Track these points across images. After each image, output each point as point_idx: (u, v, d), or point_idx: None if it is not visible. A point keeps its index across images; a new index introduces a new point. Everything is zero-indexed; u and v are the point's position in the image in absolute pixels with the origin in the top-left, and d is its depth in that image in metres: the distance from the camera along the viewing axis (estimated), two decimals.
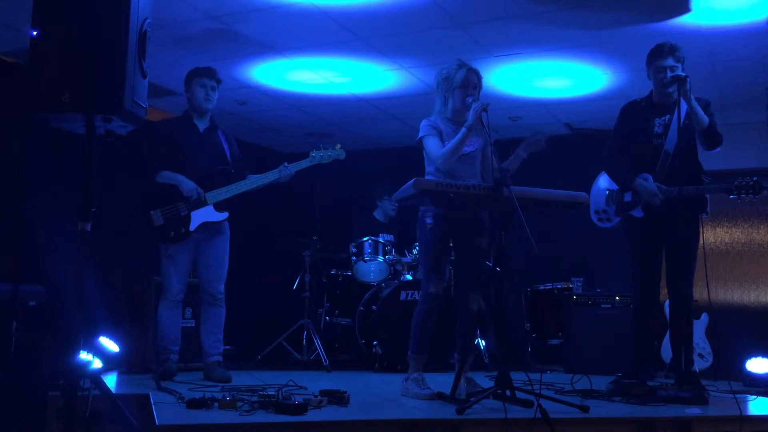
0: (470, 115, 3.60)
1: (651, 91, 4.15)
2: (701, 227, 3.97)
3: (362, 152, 7.70)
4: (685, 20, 4.43)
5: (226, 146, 4.44)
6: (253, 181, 4.34)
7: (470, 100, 3.66)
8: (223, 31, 4.75)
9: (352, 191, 7.11)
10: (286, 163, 4.40)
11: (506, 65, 5.32)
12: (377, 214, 6.55)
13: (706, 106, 3.98)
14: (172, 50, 4.99)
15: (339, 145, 4.62)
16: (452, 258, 4.21)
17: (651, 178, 3.98)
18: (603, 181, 4.34)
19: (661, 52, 3.96)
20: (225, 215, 4.33)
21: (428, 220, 3.74)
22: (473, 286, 3.79)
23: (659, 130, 4.03)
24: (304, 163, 4.48)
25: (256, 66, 5.43)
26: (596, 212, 4.32)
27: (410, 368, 3.83)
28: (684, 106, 3.92)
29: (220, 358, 4.32)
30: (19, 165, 4.68)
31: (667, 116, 3.99)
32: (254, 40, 4.92)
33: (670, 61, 3.93)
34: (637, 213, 4.08)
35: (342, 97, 6.12)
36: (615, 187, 4.23)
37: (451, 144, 3.64)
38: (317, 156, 4.52)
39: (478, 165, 3.86)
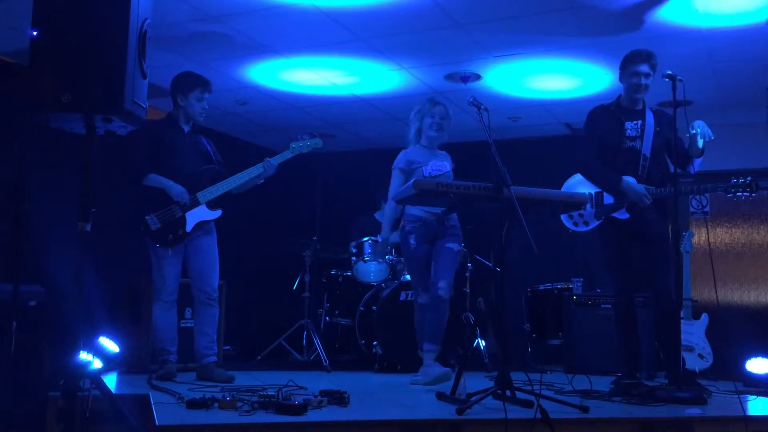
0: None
1: (619, 96, 4.21)
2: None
3: (362, 152, 7.71)
4: (685, 21, 4.43)
5: (209, 147, 4.45)
6: (240, 176, 4.32)
7: (471, 100, 3.71)
8: (223, 31, 4.75)
9: (353, 191, 7.11)
10: (268, 158, 4.40)
11: (506, 65, 5.32)
12: (379, 216, 6.54)
13: (672, 118, 3.93)
14: (173, 50, 4.99)
15: (317, 134, 4.70)
16: None
17: (634, 180, 4.02)
18: (573, 185, 4.31)
19: (638, 57, 4.02)
20: (218, 213, 4.33)
21: (411, 241, 4.34)
22: (444, 276, 4.24)
23: (632, 133, 4.09)
24: (286, 155, 4.49)
25: (256, 66, 5.43)
26: (570, 216, 4.29)
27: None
28: (649, 114, 4.10)
29: (215, 358, 4.32)
30: (19, 165, 4.67)
31: (639, 121, 4.10)
32: (254, 41, 4.92)
33: (644, 68, 4.01)
34: (622, 215, 4.09)
35: (342, 97, 6.12)
36: (590, 189, 4.20)
37: (384, 222, 4.56)
38: (297, 147, 4.54)
39: None
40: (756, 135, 5.65)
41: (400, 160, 4.47)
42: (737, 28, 4.50)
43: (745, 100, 5.74)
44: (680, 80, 3.76)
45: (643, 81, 4.01)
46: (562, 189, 4.35)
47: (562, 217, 4.31)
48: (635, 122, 4.10)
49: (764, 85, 5.07)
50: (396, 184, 4.39)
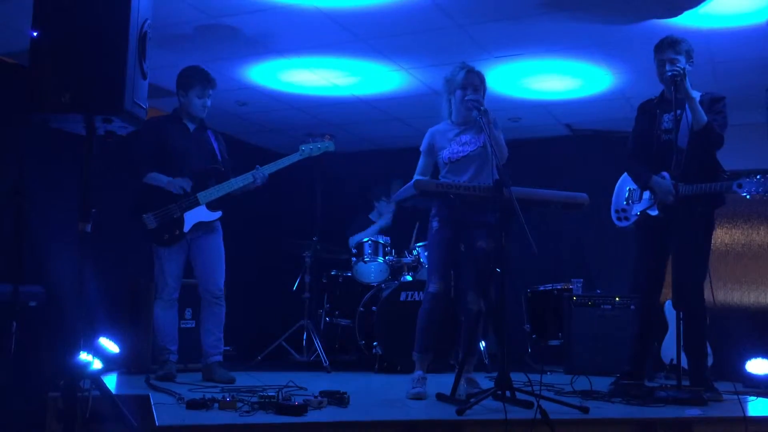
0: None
1: (663, 89, 4.08)
2: (713, 224, 3.91)
3: (362, 153, 7.71)
4: (685, 21, 4.43)
5: (215, 145, 4.43)
6: (245, 177, 4.29)
7: (469, 98, 3.65)
8: (223, 31, 4.75)
9: (353, 192, 7.12)
10: (258, 166, 4.34)
11: (506, 66, 5.32)
12: (373, 216, 6.55)
13: (714, 102, 3.87)
14: (172, 51, 4.99)
15: (328, 136, 4.56)
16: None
17: (668, 175, 3.86)
18: (626, 180, 4.28)
19: (660, 46, 3.91)
20: (218, 214, 4.30)
21: (434, 224, 3.83)
22: (472, 286, 3.80)
23: (667, 126, 3.93)
24: (294, 158, 4.43)
25: (256, 67, 5.43)
26: (616, 211, 4.26)
27: (415, 368, 3.85)
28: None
29: (220, 358, 4.31)
30: (19, 165, 4.68)
31: (678, 111, 3.84)
32: (254, 41, 4.92)
33: (668, 54, 3.86)
34: (653, 211, 3.99)
35: (342, 98, 6.12)
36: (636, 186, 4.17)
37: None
38: (307, 149, 4.45)
39: (477, 165, 3.84)
40: (756, 136, 5.65)
41: (424, 141, 3.96)
42: (737, 28, 4.50)
43: (744, 102, 5.74)
44: (681, 78, 3.72)
45: (668, 67, 3.82)
46: (617, 185, 4.31)
47: (612, 211, 4.29)
48: (672, 114, 3.85)
49: (764, 85, 5.06)
50: (419, 168, 3.96)
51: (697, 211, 3.85)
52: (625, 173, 4.28)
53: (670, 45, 3.88)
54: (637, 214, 4.11)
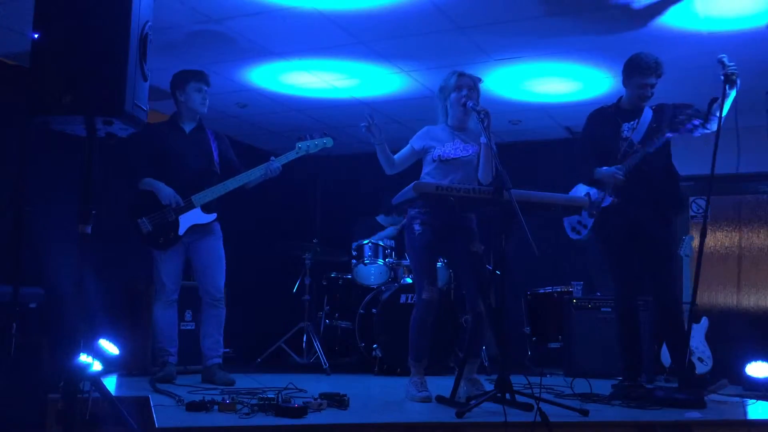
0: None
1: (620, 98, 4.14)
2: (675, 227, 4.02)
3: (363, 155, 7.70)
4: (685, 25, 4.44)
5: (214, 146, 4.40)
6: (239, 179, 4.25)
7: (471, 104, 3.67)
8: (224, 34, 4.76)
9: (353, 194, 7.12)
10: (273, 158, 4.31)
11: (507, 69, 5.32)
12: (381, 219, 6.55)
13: (678, 105, 3.99)
14: (173, 53, 4.99)
15: (325, 133, 4.50)
16: (446, 262, 4.25)
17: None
18: (577, 192, 4.26)
19: (647, 69, 3.93)
20: (213, 216, 4.29)
21: (416, 227, 3.79)
22: (475, 290, 3.80)
23: (628, 134, 4.02)
24: (290, 155, 4.36)
25: (256, 69, 5.43)
26: (571, 226, 4.28)
27: (411, 373, 3.85)
28: (647, 112, 4.02)
29: (220, 360, 4.31)
30: (19, 167, 4.68)
31: (635, 120, 4.01)
32: (255, 43, 4.93)
33: (652, 80, 3.95)
34: (607, 201, 4.01)
35: (343, 100, 6.12)
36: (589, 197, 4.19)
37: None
38: (303, 146, 4.38)
39: (465, 172, 3.85)
40: (756, 139, 5.65)
41: (419, 135, 3.98)
42: (737, 32, 4.51)
43: (745, 105, 5.73)
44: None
45: (650, 92, 3.95)
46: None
47: (566, 228, 4.29)
48: (632, 122, 4.03)
49: (764, 89, 5.07)
50: (400, 154, 4.02)
51: (661, 213, 4.00)
52: (576, 187, 4.26)
53: (655, 69, 3.95)
54: (594, 215, 4.10)
